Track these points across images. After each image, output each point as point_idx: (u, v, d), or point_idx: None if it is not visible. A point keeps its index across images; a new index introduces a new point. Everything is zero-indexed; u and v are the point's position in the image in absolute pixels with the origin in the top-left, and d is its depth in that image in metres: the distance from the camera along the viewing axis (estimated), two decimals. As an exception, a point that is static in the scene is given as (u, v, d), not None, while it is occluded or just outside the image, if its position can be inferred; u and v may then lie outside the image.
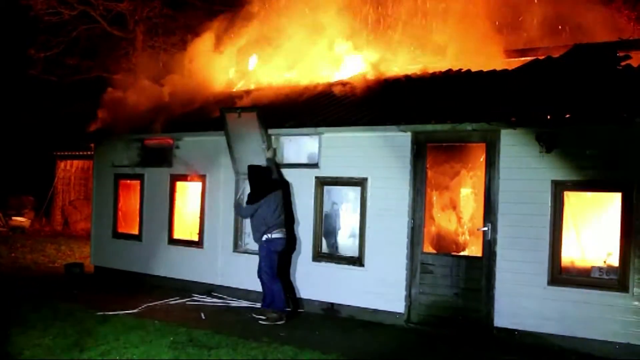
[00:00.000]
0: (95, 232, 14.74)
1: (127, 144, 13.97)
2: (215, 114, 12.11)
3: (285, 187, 10.96)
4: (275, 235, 10.38)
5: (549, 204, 8.97)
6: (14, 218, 24.89)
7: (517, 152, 9.26)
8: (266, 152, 11.19)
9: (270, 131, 11.39)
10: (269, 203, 10.36)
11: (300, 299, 11.23)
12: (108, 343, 8.59)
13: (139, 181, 13.82)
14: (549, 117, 8.87)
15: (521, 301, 9.08)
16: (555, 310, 8.82)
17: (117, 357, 7.98)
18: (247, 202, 10.63)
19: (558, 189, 8.96)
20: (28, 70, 24.23)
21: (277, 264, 10.46)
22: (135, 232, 13.84)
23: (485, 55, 12.21)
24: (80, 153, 23.91)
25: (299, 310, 11.14)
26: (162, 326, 9.68)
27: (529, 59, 11.39)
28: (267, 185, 10.56)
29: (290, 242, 11.11)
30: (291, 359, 8.16)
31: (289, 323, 10.26)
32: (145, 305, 11.13)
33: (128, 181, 14.16)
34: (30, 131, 27.17)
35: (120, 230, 14.25)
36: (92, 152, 15.59)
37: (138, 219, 13.81)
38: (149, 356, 8.08)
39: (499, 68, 11.27)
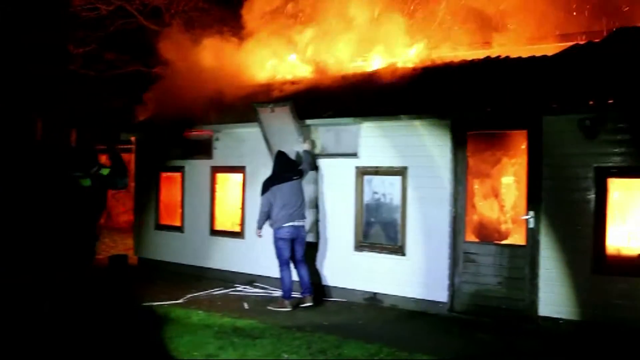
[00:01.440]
0: (138, 224, 14.93)
1: (168, 137, 14.11)
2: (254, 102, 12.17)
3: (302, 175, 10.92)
4: (286, 223, 10.47)
5: (592, 191, 8.89)
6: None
7: (559, 138, 9.16)
8: (303, 144, 11.24)
9: (308, 121, 11.43)
10: (281, 192, 10.49)
11: (343, 288, 11.27)
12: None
13: (180, 173, 13.95)
14: (591, 102, 8.77)
15: (565, 290, 9.01)
16: (600, 298, 8.74)
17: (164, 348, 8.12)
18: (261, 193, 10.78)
19: (601, 176, 8.84)
20: (68, 66, 24.51)
21: (287, 252, 10.56)
22: (178, 223, 13.99)
23: (524, 41, 12.07)
24: (122, 147, 24.15)
25: (341, 299, 11.20)
26: (207, 316, 9.82)
27: (569, 44, 11.25)
28: (277, 176, 10.68)
29: (316, 232, 11.31)
30: (335, 348, 8.21)
31: (331, 312, 10.33)
32: (189, 296, 11.28)
33: (169, 173, 14.30)
34: (72, 126, 27.51)
35: (163, 222, 14.40)
36: (134, 146, 15.76)
37: (180, 210, 13.96)
38: (194, 345, 8.20)
39: (538, 54, 11.15)
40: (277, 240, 10.56)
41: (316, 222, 11.40)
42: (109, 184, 8.53)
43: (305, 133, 11.34)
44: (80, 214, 8.16)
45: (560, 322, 9.02)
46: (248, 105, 11.97)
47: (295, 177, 10.69)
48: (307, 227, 10.97)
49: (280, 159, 10.87)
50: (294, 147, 11.32)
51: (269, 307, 10.54)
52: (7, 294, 8.83)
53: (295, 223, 10.53)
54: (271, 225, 10.60)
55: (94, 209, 8.50)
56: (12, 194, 7.91)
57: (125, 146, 21.25)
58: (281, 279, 10.63)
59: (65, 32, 23.84)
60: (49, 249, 7.89)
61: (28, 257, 7.67)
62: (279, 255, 10.58)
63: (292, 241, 10.58)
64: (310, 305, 10.55)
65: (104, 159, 9.03)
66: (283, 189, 10.49)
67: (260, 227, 10.72)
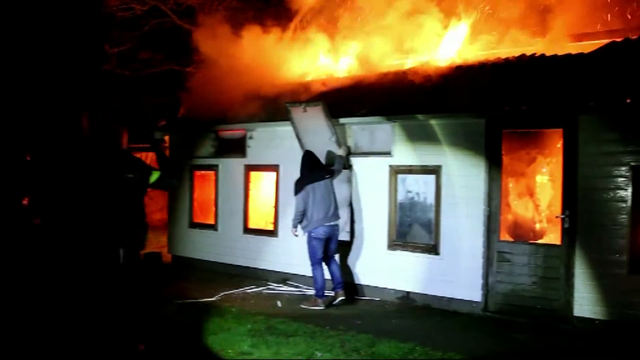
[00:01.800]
0: (172, 222, 15.05)
1: (202, 135, 14.21)
2: (287, 101, 12.20)
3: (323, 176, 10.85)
4: (323, 224, 10.51)
5: (629, 190, 8.77)
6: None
7: (595, 137, 9.07)
8: (338, 148, 11.24)
9: (341, 120, 11.43)
10: (314, 192, 10.51)
11: (376, 287, 11.26)
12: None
13: (213, 172, 14.04)
14: (628, 100, 8.66)
15: (602, 290, 8.91)
16: (637, 299, 8.61)
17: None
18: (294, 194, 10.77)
19: (638, 174, 8.74)
20: (103, 66, 24.77)
21: (320, 252, 10.58)
22: (211, 221, 14.08)
23: (557, 39, 11.95)
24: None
25: (375, 298, 11.20)
26: (240, 314, 9.86)
27: (605, 41, 11.11)
28: (309, 175, 10.67)
29: (350, 230, 11.30)
30: (368, 347, 8.22)
31: (364, 311, 10.33)
32: (222, 294, 11.35)
33: (203, 172, 14.39)
34: (105, 125, 27.80)
35: (196, 220, 14.50)
36: (167, 144, 15.87)
37: (213, 209, 14.05)
38: (228, 343, 8.25)
39: (573, 52, 11.03)
40: (311, 239, 10.58)
41: (350, 221, 11.39)
42: (161, 186, 8.49)
43: (339, 133, 11.33)
44: (131, 215, 8.19)
45: (596, 322, 8.93)
46: (281, 103, 12.00)
47: (327, 176, 10.71)
48: (341, 225, 10.97)
49: (308, 158, 10.88)
50: (327, 146, 11.33)
51: (302, 306, 10.58)
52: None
53: (331, 223, 10.56)
54: (303, 227, 10.63)
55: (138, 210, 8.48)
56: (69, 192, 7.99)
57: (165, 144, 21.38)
58: (314, 278, 10.66)
59: (102, 32, 24.11)
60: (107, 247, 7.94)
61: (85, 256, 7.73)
62: (312, 255, 10.60)
63: (327, 240, 10.60)
64: (342, 300, 10.59)
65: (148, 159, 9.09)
66: (317, 188, 10.51)
67: (295, 227, 10.75)
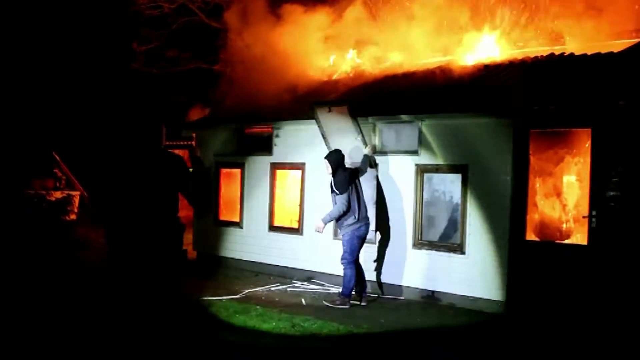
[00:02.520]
0: (198, 219, 15.11)
1: (228, 133, 14.26)
2: (313, 100, 12.21)
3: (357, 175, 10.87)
4: (365, 222, 10.51)
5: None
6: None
7: (625, 136, 8.96)
8: (364, 147, 11.23)
9: (368, 118, 11.41)
10: (356, 190, 10.50)
11: (401, 286, 11.24)
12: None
13: (239, 169, 14.08)
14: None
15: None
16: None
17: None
18: (339, 192, 10.48)
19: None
20: (131, 64, 24.97)
21: (358, 249, 10.53)
22: (237, 219, 14.12)
23: (586, 38, 11.85)
24: (181, 143, 24.46)
25: (399, 297, 11.18)
26: (265, 311, 9.88)
27: (635, 41, 10.99)
28: (346, 175, 10.54)
29: (375, 229, 11.18)
30: (392, 346, 8.21)
31: (389, 310, 10.33)
32: (247, 291, 11.38)
33: (229, 169, 14.43)
34: (132, 122, 28.00)
35: (222, 217, 14.54)
36: (193, 142, 15.95)
37: (239, 206, 14.08)
38: (252, 342, 8.28)
39: (603, 51, 10.93)
40: (354, 237, 10.43)
41: (375, 220, 11.36)
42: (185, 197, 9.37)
43: (365, 133, 11.29)
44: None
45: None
46: (307, 102, 12.02)
47: (356, 177, 10.71)
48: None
49: (342, 157, 10.70)
50: (353, 145, 11.31)
51: (327, 304, 10.54)
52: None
53: (368, 222, 10.58)
54: (349, 224, 10.42)
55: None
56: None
57: (186, 142, 21.54)
58: (345, 277, 10.49)
59: (131, 31, 24.35)
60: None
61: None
62: (351, 252, 10.45)
63: (364, 239, 10.62)
64: (365, 305, 10.56)
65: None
66: (355, 187, 10.53)
67: (326, 223, 10.61)
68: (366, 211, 10.58)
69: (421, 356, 7.95)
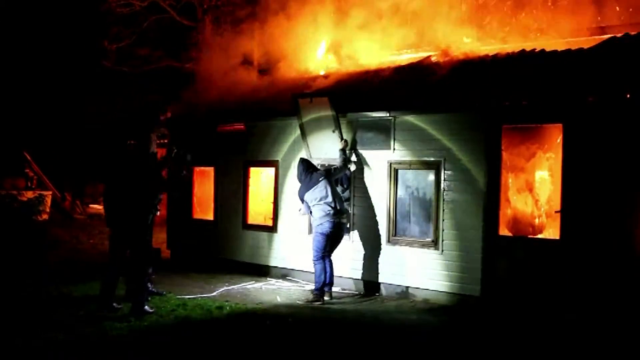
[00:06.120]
0: (172, 218, 15.04)
1: (201, 131, 14.19)
2: (286, 98, 12.20)
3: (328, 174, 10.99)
4: (323, 220, 10.60)
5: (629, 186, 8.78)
6: (91, 205, 25.61)
7: (595, 132, 9.06)
8: (339, 142, 11.28)
9: (342, 113, 11.44)
10: (311, 197, 10.71)
11: (375, 282, 11.28)
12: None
13: (213, 167, 14.04)
14: (628, 95, 8.67)
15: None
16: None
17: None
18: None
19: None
20: (101, 62, 24.78)
21: (323, 246, 10.65)
22: (210, 217, 14.08)
23: (559, 34, 11.97)
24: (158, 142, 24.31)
25: (374, 293, 11.23)
26: (239, 309, 9.88)
27: (605, 37, 11.12)
28: (305, 182, 10.88)
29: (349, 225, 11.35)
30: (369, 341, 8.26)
31: (362, 305, 10.40)
32: (222, 289, 11.35)
33: (202, 167, 14.36)
34: (104, 121, 27.78)
35: (196, 216, 14.50)
36: (167, 141, 15.84)
37: (213, 204, 14.05)
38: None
39: (574, 47, 11.03)
40: (317, 234, 10.66)
41: (349, 216, 11.39)
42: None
43: (341, 128, 11.33)
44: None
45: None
46: (280, 99, 12.03)
47: (320, 178, 10.77)
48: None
49: (304, 164, 11.06)
50: (329, 138, 11.41)
51: (300, 301, 10.60)
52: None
53: (335, 220, 10.61)
54: (311, 224, 10.85)
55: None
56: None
57: (160, 141, 21.33)
58: (315, 273, 10.65)
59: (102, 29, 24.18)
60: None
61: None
62: (317, 249, 10.63)
63: (332, 236, 10.66)
64: (328, 300, 10.66)
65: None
66: (315, 191, 10.69)
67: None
68: (333, 209, 10.60)
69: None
